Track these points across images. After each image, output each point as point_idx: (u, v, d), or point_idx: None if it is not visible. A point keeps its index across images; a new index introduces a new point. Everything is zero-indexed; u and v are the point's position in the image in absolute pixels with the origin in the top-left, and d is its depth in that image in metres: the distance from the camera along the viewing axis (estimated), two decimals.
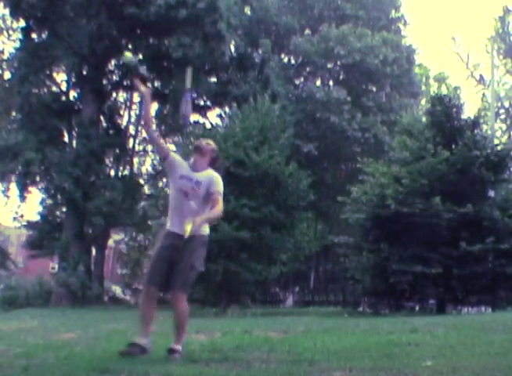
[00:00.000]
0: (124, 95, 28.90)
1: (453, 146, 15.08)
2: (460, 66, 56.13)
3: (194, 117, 28.64)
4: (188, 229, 4.80)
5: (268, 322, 10.15)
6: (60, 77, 26.19)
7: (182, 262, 5.03)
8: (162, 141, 5.51)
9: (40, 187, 24.49)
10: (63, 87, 25.77)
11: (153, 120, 5.24)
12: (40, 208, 24.73)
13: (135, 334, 5.76)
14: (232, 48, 24.99)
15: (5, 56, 26.59)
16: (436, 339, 5.93)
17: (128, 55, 5.50)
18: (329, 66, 27.93)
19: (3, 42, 27.27)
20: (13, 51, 24.83)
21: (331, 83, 28.00)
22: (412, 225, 13.91)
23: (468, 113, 17.33)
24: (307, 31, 27.62)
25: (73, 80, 24.99)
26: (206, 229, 5.21)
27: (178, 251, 5.03)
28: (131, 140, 28.51)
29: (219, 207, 5.13)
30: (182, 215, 5.06)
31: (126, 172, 27.34)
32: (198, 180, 5.13)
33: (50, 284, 23.60)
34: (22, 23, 23.44)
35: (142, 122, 5.40)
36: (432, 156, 14.55)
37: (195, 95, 5.41)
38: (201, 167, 5.23)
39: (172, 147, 27.94)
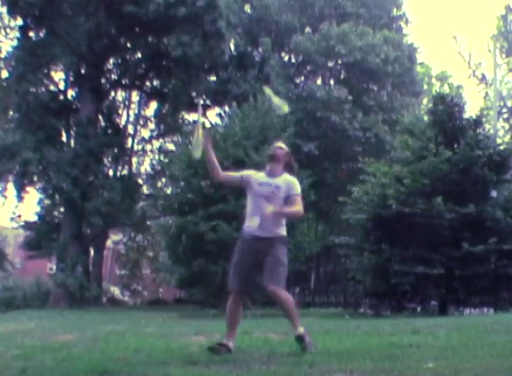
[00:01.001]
0: (123, 94, 28.86)
1: (455, 146, 14.98)
2: (462, 65, 55.97)
3: (193, 116, 28.60)
4: (270, 208, 5.05)
5: (269, 323, 10.15)
6: (58, 75, 26.22)
7: (269, 260, 5.17)
8: (230, 174, 5.60)
9: (38, 187, 24.46)
10: (61, 86, 25.78)
11: (217, 164, 5.33)
12: (38, 208, 24.78)
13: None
14: (232, 47, 24.87)
15: (3, 54, 26.51)
16: (438, 341, 5.88)
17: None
18: (330, 64, 27.81)
19: (0, 41, 27.20)
20: (11, 49, 24.77)
21: (332, 82, 27.87)
22: (413, 226, 13.82)
23: (470, 112, 17.27)
24: (307, 30, 27.49)
25: (72, 79, 24.93)
26: (284, 231, 5.38)
27: (261, 252, 5.18)
28: (129, 140, 28.48)
29: (299, 207, 5.30)
30: (262, 218, 5.23)
31: (125, 172, 27.30)
32: (277, 185, 5.31)
33: (48, 285, 23.57)
34: (19, 21, 23.43)
35: (210, 168, 5.60)
36: (434, 155, 14.45)
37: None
38: (278, 172, 5.40)
39: (171, 147, 27.88)
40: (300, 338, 5.09)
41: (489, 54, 32.61)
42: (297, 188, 5.36)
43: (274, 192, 5.25)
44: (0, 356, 5.64)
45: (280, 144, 5.59)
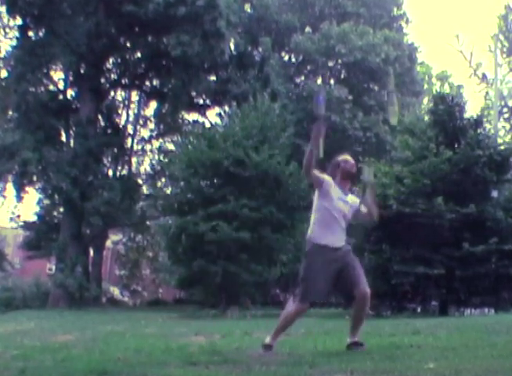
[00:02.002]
0: (123, 93, 28.83)
1: (456, 146, 14.93)
2: (463, 65, 56.11)
3: (193, 116, 28.59)
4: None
5: (269, 324, 10.08)
6: (58, 75, 26.21)
7: (354, 266, 5.27)
8: (317, 172, 5.31)
9: (37, 187, 24.44)
10: (61, 85, 25.76)
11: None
12: (37, 209, 24.74)
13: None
14: (232, 47, 24.86)
15: (2, 54, 26.48)
16: (438, 341, 5.85)
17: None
18: (330, 64, 27.82)
19: (0, 40, 27.13)
20: (10, 49, 24.73)
21: (332, 81, 27.88)
22: (414, 226, 13.76)
23: (471, 112, 17.20)
24: (307, 29, 27.48)
25: (71, 78, 24.90)
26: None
27: (339, 261, 5.21)
28: (129, 140, 28.47)
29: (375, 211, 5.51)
30: (337, 233, 5.26)
31: (124, 172, 27.28)
32: (351, 204, 5.34)
33: (47, 286, 23.54)
34: (19, 20, 23.45)
35: (310, 160, 5.19)
36: (434, 155, 14.41)
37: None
38: (348, 190, 5.43)
39: (171, 146, 27.84)
40: (359, 345, 5.19)
41: (490, 54, 32.57)
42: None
43: (349, 211, 5.31)
44: None
45: (350, 159, 5.46)
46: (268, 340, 5.21)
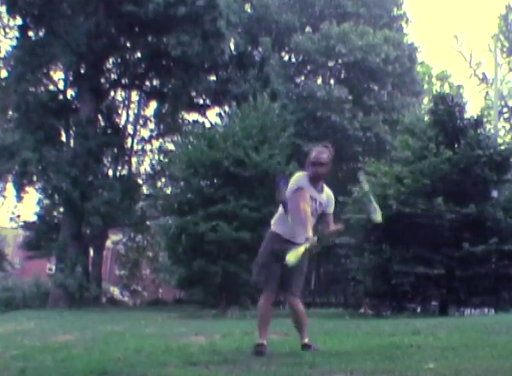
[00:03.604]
0: (123, 94, 28.81)
1: (456, 146, 14.95)
2: (463, 65, 56.09)
3: (193, 116, 28.57)
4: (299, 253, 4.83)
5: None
6: (57, 75, 26.19)
7: (298, 268, 5.07)
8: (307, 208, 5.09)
9: (37, 187, 24.42)
10: (61, 85, 25.73)
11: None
12: (37, 209, 24.72)
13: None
14: (232, 47, 24.82)
15: (2, 54, 26.48)
16: (438, 341, 5.85)
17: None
18: (330, 64, 27.78)
19: (0, 40, 27.12)
20: (10, 49, 24.72)
21: (332, 81, 27.84)
22: (414, 226, 13.77)
23: (471, 112, 17.20)
24: (307, 29, 27.43)
25: (71, 78, 24.86)
26: None
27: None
28: (129, 140, 28.45)
29: (332, 228, 5.33)
30: (302, 230, 5.00)
31: (124, 172, 27.26)
32: (321, 202, 5.18)
33: (47, 286, 23.52)
34: (19, 20, 23.42)
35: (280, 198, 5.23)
36: (434, 155, 14.42)
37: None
38: (321, 186, 5.22)
39: (171, 146, 27.81)
40: (308, 346, 5.22)
41: (490, 53, 32.60)
42: (333, 206, 5.30)
43: (317, 209, 5.16)
44: None
45: (326, 151, 5.17)
46: (258, 340, 5.22)
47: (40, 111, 22.40)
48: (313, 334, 7.06)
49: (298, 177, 5.14)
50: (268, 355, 5.01)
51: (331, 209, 5.28)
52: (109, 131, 25.37)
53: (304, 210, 4.92)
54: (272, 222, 5.32)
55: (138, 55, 24.97)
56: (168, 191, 21.66)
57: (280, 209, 5.26)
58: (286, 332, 6.98)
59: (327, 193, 5.24)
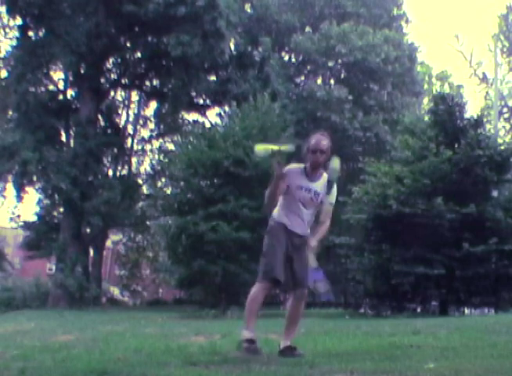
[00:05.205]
0: (123, 93, 28.83)
1: (456, 146, 14.92)
2: (463, 65, 56.13)
3: (193, 116, 28.57)
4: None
5: (269, 324, 10.09)
6: (58, 75, 26.15)
7: (303, 261, 4.92)
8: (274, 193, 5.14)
9: (37, 187, 24.36)
10: (61, 85, 25.71)
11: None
12: (37, 209, 24.68)
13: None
14: (232, 47, 24.83)
15: (2, 54, 26.49)
16: (438, 341, 5.85)
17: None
18: (330, 64, 27.80)
19: (0, 40, 27.12)
20: (10, 49, 24.69)
21: (332, 81, 27.87)
22: (414, 226, 13.75)
23: (471, 112, 17.18)
24: (307, 29, 27.47)
25: (71, 78, 24.84)
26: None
27: (292, 247, 4.96)
28: (129, 139, 28.49)
29: (329, 221, 5.06)
30: (300, 220, 5.02)
31: (124, 172, 27.28)
32: (317, 191, 4.99)
33: (47, 286, 23.51)
34: (19, 20, 23.41)
35: (271, 203, 5.15)
36: (434, 155, 14.40)
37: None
38: (319, 174, 5.03)
39: (171, 147, 27.82)
40: (294, 349, 4.99)
41: (490, 53, 32.63)
42: (334, 196, 5.03)
43: (312, 199, 5.00)
44: None
45: (324, 139, 5.06)
46: (246, 333, 4.96)
47: (40, 111, 22.38)
48: (313, 334, 7.07)
49: (290, 165, 5.10)
50: (268, 355, 4.96)
51: (330, 200, 5.02)
52: (109, 131, 25.39)
53: (271, 188, 5.01)
54: (275, 210, 5.18)
55: (138, 55, 24.98)
56: (168, 191, 21.64)
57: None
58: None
59: (325, 181, 5.03)
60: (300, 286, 5.00)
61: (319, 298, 5.06)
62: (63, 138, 24.59)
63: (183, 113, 28.46)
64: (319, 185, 5.00)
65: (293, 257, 4.98)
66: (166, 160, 24.60)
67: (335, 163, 5.07)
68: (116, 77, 25.69)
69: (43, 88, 24.61)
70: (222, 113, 25.02)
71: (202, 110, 27.86)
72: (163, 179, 27.85)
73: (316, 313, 14.53)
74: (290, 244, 4.97)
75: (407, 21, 30.52)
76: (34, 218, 24.73)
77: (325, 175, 5.04)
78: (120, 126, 27.68)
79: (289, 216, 5.03)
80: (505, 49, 33.04)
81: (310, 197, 4.98)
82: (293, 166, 5.13)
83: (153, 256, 31.91)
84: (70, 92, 25.46)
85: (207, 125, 24.89)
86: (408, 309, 14.74)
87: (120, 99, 29.10)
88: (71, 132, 24.26)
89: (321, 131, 5.25)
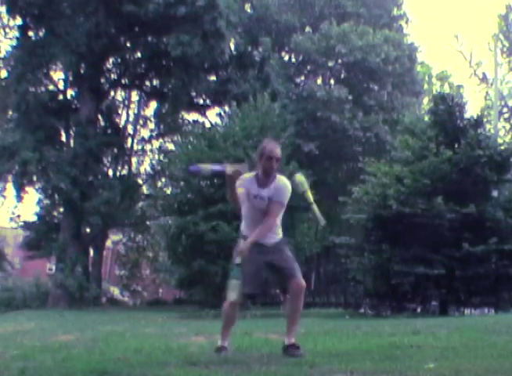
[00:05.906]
0: (123, 93, 28.83)
1: (456, 146, 14.90)
2: (463, 65, 56.14)
3: (193, 116, 28.58)
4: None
5: (269, 324, 10.16)
6: (57, 75, 26.14)
7: (285, 259, 5.10)
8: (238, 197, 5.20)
9: (37, 187, 24.39)
10: (61, 85, 25.69)
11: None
12: (37, 209, 24.67)
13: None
14: (232, 47, 24.82)
15: (2, 54, 26.46)
16: (438, 341, 5.88)
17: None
18: (330, 64, 27.77)
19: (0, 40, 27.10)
20: (10, 49, 24.66)
21: (332, 81, 27.83)
22: (414, 226, 13.74)
23: (471, 112, 17.17)
24: (307, 29, 27.44)
25: (71, 78, 24.84)
26: (280, 233, 5.28)
27: (265, 256, 5.07)
28: (129, 139, 28.49)
29: (271, 220, 5.08)
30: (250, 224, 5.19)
31: (124, 172, 27.28)
32: (269, 197, 5.06)
33: (47, 286, 23.52)
34: (19, 20, 23.42)
35: (231, 199, 5.35)
36: (434, 155, 14.39)
37: None
38: (271, 180, 5.09)
39: (171, 147, 27.81)
40: (297, 348, 5.06)
41: (490, 53, 32.62)
42: (284, 195, 5.07)
43: (266, 205, 5.06)
44: None
45: (275, 145, 5.16)
46: (219, 342, 5.18)
47: (40, 111, 22.37)
48: (313, 334, 7.08)
49: (243, 175, 5.16)
50: (268, 355, 5.00)
51: (276, 198, 5.04)
52: (109, 131, 25.40)
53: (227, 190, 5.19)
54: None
55: (138, 55, 24.98)
56: (168, 191, 21.64)
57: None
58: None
59: (276, 185, 5.06)
60: (293, 277, 5.05)
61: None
62: (63, 138, 24.60)
63: (183, 113, 28.46)
64: (271, 190, 5.04)
65: (272, 259, 5.08)
66: (166, 160, 24.59)
67: (299, 178, 5.35)
68: (116, 77, 25.69)
69: (43, 88, 24.59)
70: (222, 113, 25.01)
71: (202, 110, 27.87)
72: (163, 179, 27.83)
73: (316, 313, 14.54)
74: (261, 253, 5.03)
75: (407, 21, 30.46)
76: (34, 218, 24.73)
77: (277, 181, 5.08)
78: (120, 126, 27.69)
79: (250, 227, 5.11)
80: (505, 49, 33.01)
81: (265, 205, 5.04)
82: (246, 176, 5.17)
83: (153, 256, 31.91)
84: (70, 92, 25.48)
85: (207, 125, 24.88)
86: (408, 309, 14.71)
87: (120, 99, 29.14)
88: (71, 132, 24.27)
89: (272, 138, 5.47)
